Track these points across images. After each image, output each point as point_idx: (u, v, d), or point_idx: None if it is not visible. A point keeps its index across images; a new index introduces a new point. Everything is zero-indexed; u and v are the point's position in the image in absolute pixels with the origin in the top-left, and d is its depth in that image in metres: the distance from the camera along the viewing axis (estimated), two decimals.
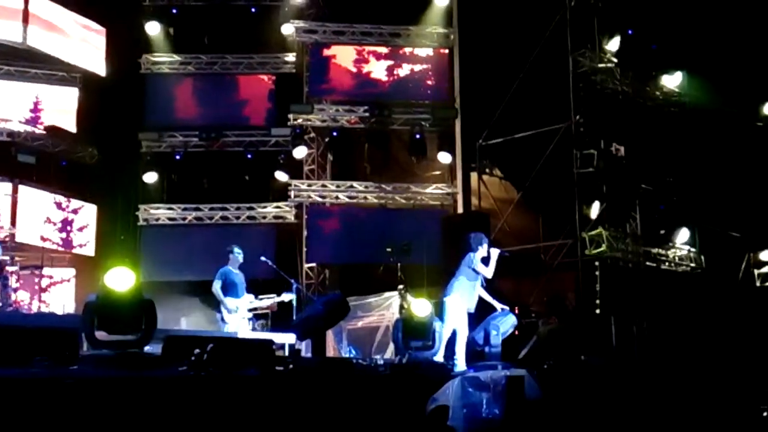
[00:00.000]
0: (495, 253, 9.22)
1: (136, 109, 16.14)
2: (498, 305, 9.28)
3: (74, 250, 15.56)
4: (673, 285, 15.51)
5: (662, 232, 16.19)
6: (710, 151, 15.88)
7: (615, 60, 15.51)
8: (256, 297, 10.34)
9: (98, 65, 16.14)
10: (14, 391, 5.40)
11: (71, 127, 15.90)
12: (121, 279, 7.07)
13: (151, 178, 16.10)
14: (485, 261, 9.17)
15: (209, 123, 16.44)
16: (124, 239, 15.78)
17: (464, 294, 9.23)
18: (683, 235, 16.13)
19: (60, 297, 14.96)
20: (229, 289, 10.04)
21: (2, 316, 10.27)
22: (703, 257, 16.26)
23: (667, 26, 15.71)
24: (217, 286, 10.06)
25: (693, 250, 16.23)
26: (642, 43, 15.99)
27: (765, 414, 8.93)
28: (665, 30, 15.73)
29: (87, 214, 15.82)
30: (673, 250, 16.11)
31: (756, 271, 17.00)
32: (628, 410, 7.54)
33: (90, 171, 15.74)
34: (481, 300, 9.37)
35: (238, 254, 10.26)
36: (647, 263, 15.60)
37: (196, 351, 6.63)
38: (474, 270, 9.18)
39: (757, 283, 16.92)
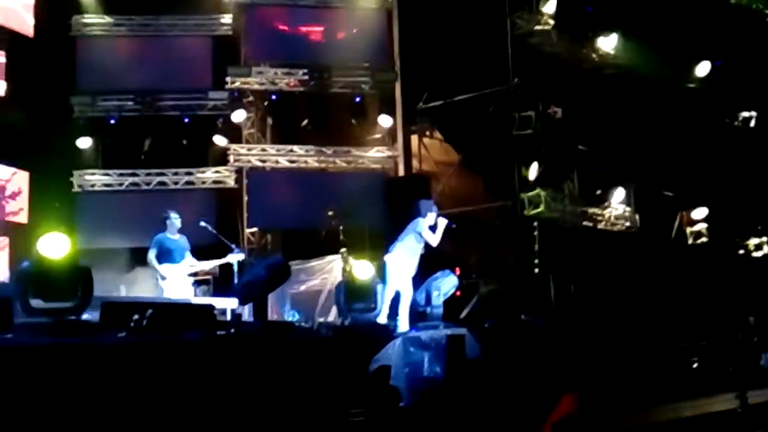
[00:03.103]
0: (443, 222, 9.31)
1: (67, 72, 15.64)
2: None
3: (6, 218, 15.13)
4: (608, 244, 15.89)
5: (599, 192, 16.53)
6: (645, 112, 16.20)
7: (552, 22, 15.64)
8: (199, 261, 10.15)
9: (26, 26, 15.56)
10: None
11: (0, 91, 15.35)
12: (55, 245, 6.92)
13: (85, 143, 15.69)
14: (432, 229, 9.26)
15: (144, 86, 16.02)
16: (59, 206, 15.37)
17: (407, 255, 9.30)
18: (619, 194, 16.49)
19: None
20: (164, 256, 9.86)
21: None
22: (638, 216, 16.67)
23: None
24: (151, 255, 9.85)
25: (628, 209, 16.62)
26: (578, 5, 16.14)
27: (695, 365, 9.27)
28: None
29: (19, 181, 15.36)
30: (609, 210, 16.46)
31: (688, 230, 17.52)
32: (565, 367, 7.72)
33: (21, 137, 15.23)
34: (422, 262, 9.44)
35: (174, 219, 10.06)
36: (584, 223, 15.93)
37: (135, 316, 6.56)
38: (420, 235, 9.25)
39: (689, 241, 17.45)
